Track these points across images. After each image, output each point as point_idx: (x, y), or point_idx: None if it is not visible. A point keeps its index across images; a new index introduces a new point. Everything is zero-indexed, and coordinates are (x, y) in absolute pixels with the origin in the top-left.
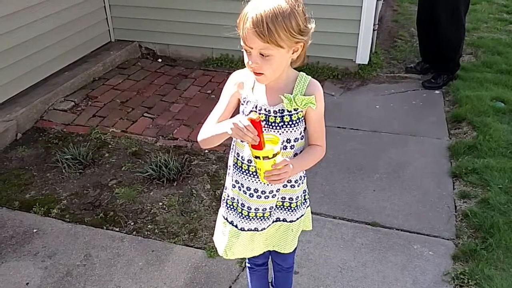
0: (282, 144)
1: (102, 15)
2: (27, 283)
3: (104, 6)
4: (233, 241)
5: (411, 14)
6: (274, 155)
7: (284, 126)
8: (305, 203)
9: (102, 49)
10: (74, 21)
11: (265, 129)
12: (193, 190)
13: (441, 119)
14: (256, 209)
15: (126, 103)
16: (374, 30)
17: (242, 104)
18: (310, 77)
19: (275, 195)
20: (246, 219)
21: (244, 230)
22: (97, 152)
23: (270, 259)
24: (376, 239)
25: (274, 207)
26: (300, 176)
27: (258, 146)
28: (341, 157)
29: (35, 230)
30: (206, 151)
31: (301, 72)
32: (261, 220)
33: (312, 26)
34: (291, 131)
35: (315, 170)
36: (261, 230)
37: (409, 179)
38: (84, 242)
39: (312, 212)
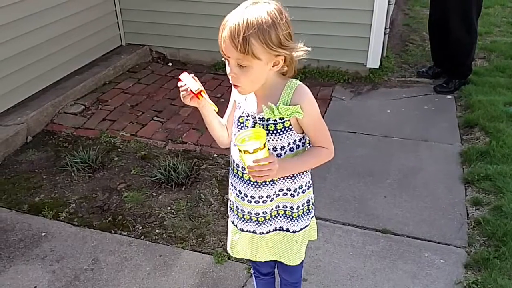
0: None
1: (113, 19)
2: (35, 287)
3: (115, 10)
4: (235, 239)
5: (422, 18)
6: (255, 150)
7: (269, 134)
8: (309, 213)
9: (113, 52)
10: (85, 25)
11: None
12: (201, 194)
13: (453, 124)
14: (249, 213)
15: (136, 107)
16: (385, 34)
17: (237, 109)
18: (298, 83)
19: (266, 201)
20: (243, 221)
21: (243, 230)
22: (106, 156)
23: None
24: (387, 246)
25: (270, 214)
26: (300, 185)
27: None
28: (351, 162)
29: (43, 234)
30: (215, 155)
31: (290, 79)
32: (257, 224)
33: (299, 45)
34: (276, 140)
35: (324, 175)
36: (260, 233)
37: (420, 185)
38: (92, 246)
39: (321, 218)
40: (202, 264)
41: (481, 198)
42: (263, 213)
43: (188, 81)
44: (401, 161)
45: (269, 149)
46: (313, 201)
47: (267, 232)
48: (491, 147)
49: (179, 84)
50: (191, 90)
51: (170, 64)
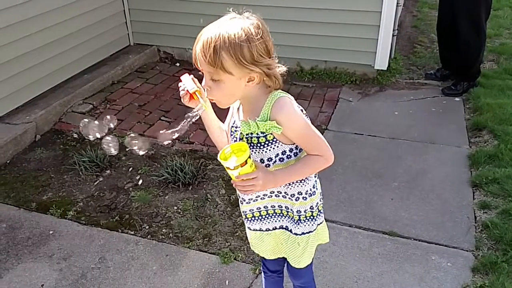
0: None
1: (121, 19)
2: (42, 285)
3: (124, 10)
4: (249, 238)
5: (431, 19)
6: (236, 167)
7: (255, 147)
8: (313, 219)
9: (121, 52)
10: (93, 25)
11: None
12: (208, 194)
13: (461, 127)
14: (251, 210)
15: (143, 107)
16: (393, 35)
17: (232, 118)
18: (278, 96)
19: (263, 198)
20: (246, 220)
21: (250, 229)
22: (114, 155)
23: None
24: (393, 249)
25: (272, 209)
26: (300, 192)
27: (191, 96)
28: (358, 164)
29: (51, 232)
30: None
31: (273, 92)
32: (260, 220)
33: (275, 62)
34: (262, 152)
35: (331, 177)
36: (266, 230)
37: (428, 188)
38: (99, 245)
39: (327, 220)
40: (208, 264)
41: (489, 202)
42: (264, 207)
43: (187, 82)
44: (409, 163)
45: (255, 161)
46: (319, 208)
47: (273, 229)
48: (499, 150)
49: (179, 84)
50: (187, 90)
51: (177, 64)
